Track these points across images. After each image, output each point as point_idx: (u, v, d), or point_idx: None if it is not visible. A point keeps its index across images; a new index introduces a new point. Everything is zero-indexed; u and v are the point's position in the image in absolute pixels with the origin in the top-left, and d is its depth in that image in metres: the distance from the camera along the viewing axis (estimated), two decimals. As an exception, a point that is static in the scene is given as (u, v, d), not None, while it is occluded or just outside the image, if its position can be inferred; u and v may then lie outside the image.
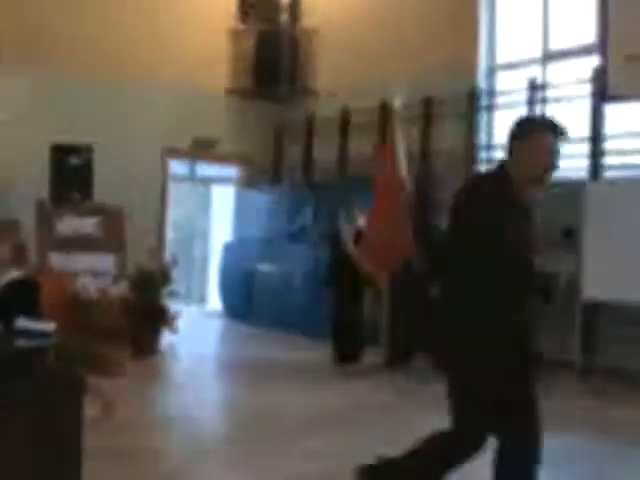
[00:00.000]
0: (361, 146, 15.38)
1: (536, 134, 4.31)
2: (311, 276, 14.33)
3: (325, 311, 11.95)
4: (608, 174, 11.86)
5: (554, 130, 4.34)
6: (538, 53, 13.34)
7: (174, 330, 11.93)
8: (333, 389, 10.07)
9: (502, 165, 4.44)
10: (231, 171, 18.36)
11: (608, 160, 11.93)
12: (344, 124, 16.15)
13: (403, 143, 11.24)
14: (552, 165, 4.36)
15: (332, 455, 6.88)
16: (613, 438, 8.00)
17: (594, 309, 11.25)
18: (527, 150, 4.30)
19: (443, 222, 11.64)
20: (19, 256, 7.68)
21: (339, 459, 6.61)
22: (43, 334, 4.76)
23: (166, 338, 12.14)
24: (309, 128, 17.06)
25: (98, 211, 11.99)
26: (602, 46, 11.56)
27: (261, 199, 16.82)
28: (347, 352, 11.27)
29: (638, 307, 10.41)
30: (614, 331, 11.26)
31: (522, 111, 12.99)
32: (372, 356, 11.24)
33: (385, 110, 13.91)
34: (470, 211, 4.31)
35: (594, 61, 11.95)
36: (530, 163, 4.30)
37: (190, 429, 7.97)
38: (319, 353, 11.84)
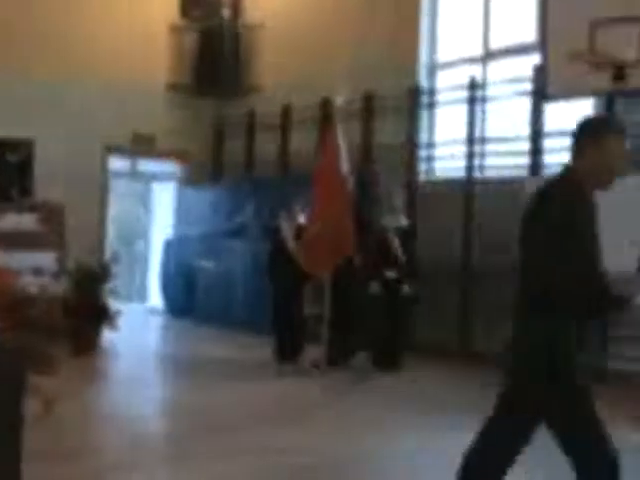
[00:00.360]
0: (302, 143, 15.39)
1: (610, 137, 4.09)
2: (252, 272, 14.31)
3: (267, 307, 11.92)
4: (548, 172, 11.95)
5: (624, 132, 4.15)
6: (479, 51, 13.45)
7: (115, 328, 11.83)
8: (272, 387, 10.07)
9: (568, 168, 4.28)
10: (172, 168, 18.27)
11: (547, 159, 12.03)
12: (285, 121, 16.15)
13: (345, 141, 11.23)
14: (624, 168, 4.18)
15: (271, 452, 6.85)
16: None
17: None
18: (601, 153, 4.09)
19: (386, 218, 11.69)
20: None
21: (277, 456, 6.63)
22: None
23: (107, 336, 12.06)
24: (250, 125, 17.02)
25: (38, 208, 11.84)
26: (542, 45, 11.65)
27: (202, 196, 16.77)
28: (288, 349, 11.22)
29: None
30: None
31: (462, 109, 13.08)
32: (313, 353, 11.21)
33: (327, 107, 13.91)
34: (548, 221, 4.03)
35: (534, 60, 12.07)
36: (604, 166, 4.11)
37: (129, 427, 7.90)
38: (260, 350, 11.80)
